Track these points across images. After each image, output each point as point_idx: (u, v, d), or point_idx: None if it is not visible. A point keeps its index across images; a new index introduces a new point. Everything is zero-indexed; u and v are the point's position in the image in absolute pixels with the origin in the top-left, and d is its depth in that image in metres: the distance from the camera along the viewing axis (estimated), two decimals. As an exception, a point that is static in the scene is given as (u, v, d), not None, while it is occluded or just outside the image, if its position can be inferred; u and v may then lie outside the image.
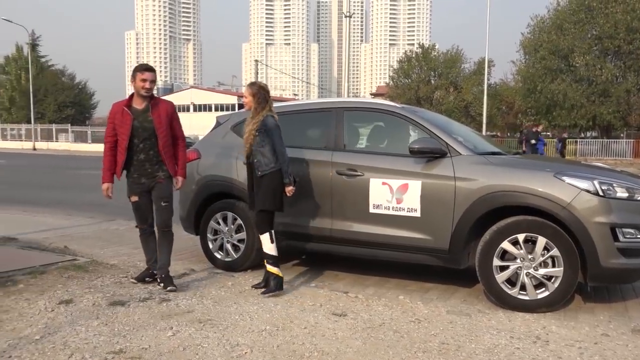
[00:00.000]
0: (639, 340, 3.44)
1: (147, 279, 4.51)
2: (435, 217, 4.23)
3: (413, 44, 62.79)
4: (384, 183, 4.39)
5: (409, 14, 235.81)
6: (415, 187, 4.28)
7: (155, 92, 4.45)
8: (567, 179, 3.92)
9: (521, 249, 3.96)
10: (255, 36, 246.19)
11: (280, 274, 4.30)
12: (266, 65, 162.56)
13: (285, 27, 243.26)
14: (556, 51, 30.27)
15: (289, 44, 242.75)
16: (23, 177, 16.05)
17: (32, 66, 46.31)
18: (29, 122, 44.94)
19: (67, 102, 53.47)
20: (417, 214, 4.28)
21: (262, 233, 4.31)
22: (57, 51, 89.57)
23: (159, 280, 4.38)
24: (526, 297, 3.96)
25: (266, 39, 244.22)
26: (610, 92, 29.40)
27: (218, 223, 5.07)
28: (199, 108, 62.20)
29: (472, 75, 42.28)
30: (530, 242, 3.95)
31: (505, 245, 3.99)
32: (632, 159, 29.03)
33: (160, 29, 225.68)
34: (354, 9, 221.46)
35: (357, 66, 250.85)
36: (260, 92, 4.30)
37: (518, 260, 3.98)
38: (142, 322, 3.55)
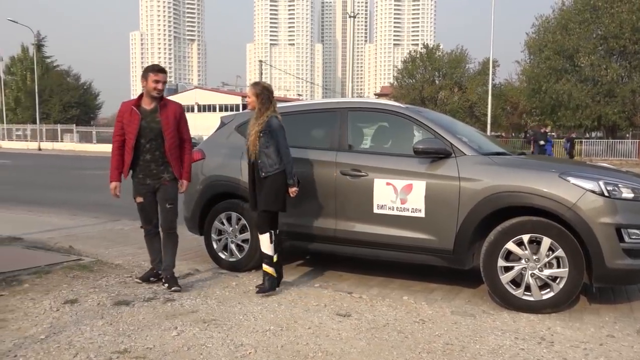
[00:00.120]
0: (645, 341, 3.42)
1: (151, 279, 4.52)
2: (440, 218, 4.22)
3: (417, 44, 62.58)
4: (388, 183, 4.39)
5: (413, 14, 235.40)
6: (419, 187, 4.27)
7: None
8: (572, 180, 3.90)
9: (526, 249, 3.95)
10: (259, 36, 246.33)
11: (275, 274, 4.30)
12: (270, 66, 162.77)
13: (289, 27, 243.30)
14: (561, 51, 30.18)
15: (293, 44, 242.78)
16: (28, 177, 16.12)
17: (37, 67, 46.58)
18: (34, 122, 45.19)
19: (72, 103, 53.77)
20: (422, 214, 4.27)
21: (262, 233, 4.31)
22: (61, 52, 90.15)
23: (163, 281, 4.40)
24: (531, 298, 3.95)
25: (270, 40, 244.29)
26: (615, 92, 29.31)
27: (222, 223, 5.08)
28: (204, 108, 62.23)
29: (477, 76, 42.20)
30: (535, 243, 3.94)
31: (510, 245, 3.98)
32: (638, 160, 28.85)
33: (164, 30, 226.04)
34: (358, 9, 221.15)
35: (361, 66, 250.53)
36: (263, 92, 4.30)
37: (523, 261, 3.97)
38: (147, 322, 3.56)
